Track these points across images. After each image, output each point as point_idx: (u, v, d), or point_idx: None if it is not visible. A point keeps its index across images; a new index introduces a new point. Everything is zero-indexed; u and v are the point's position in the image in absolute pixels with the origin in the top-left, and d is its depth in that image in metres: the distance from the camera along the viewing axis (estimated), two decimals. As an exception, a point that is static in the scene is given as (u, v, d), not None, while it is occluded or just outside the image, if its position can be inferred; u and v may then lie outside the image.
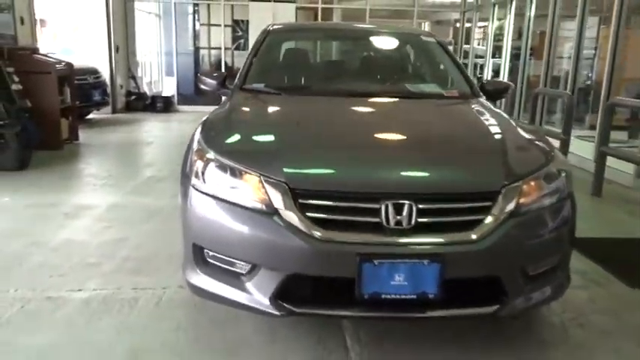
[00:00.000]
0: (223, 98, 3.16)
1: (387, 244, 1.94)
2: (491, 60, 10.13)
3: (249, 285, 2.06)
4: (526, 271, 2.10)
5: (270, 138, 2.33)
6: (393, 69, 3.60)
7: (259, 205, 2.01)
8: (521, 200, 2.06)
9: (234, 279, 2.10)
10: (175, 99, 11.44)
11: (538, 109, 7.59)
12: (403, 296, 1.95)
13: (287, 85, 3.32)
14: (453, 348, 2.29)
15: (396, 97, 3.04)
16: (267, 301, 2.02)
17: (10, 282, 2.81)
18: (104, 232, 3.63)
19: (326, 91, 3.10)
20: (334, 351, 2.23)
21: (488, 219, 1.99)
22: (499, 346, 2.31)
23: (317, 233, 1.93)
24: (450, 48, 11.89)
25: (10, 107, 5.57)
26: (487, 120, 2.69)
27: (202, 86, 3.39)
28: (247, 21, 11.29)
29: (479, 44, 11.19)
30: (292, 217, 1.96)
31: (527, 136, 2.53)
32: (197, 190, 2.16)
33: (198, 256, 2.19)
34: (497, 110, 2.90)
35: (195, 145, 2.34)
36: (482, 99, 3.10)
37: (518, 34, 8.83)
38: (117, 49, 10.36)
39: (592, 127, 6.63)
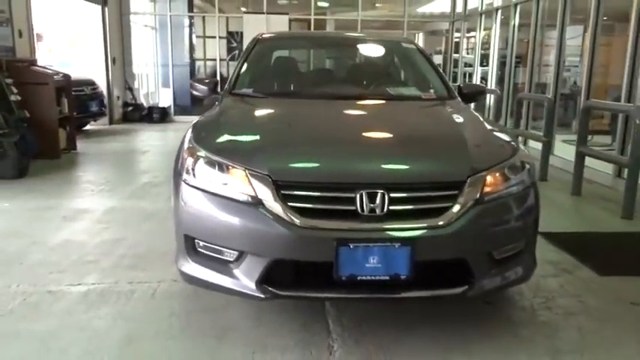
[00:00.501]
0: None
1: (362, 229, 2.11)
2: (480, 68, 10.39)
3: (236, 271, 2.23)
4: (492, 255, 2.28)
5: (255, 135, 2.51)
6: (374, 74, 3.80)
7: (245, 197, 2.19)
8: (486, 189, 2.25)
9: (222, 266, 2.27)
10: (172, 109, 11.66)
11: (524, 114, 7.83)
12: (377, 277, 2.12)
13: (273, 89, 3.52)
14: (427, 327, 2.46)
15: (375, 99, 3.25)
16: (253, 286, 2.19)
17: (11, 278, 2.97)
18: (102, 233, 3.79)
19: (310, 95, 3.31)
20: (317, 334, 2.39)
21: (455, 206, 2.17)
22: (470, 326, 2.48)
23: (298, 221, 2.10)
24: (439, 57, 12.14)
25: (9, 117, 5.74)
26: (457, 118, 2.89)
27: (194, 92, 3.57)
28: (242, 32, 11.54)
29: (468, 53, 11.44)
30: (275, 206, 2.13)
31: (493, 132, 2.74)
32: (188, 184, 2.33)
33: (190, 246, 2.35)
34: (470, 110, 3.10)
35: (186, 144, 2.52)
36: (458, 100, 3.29)
37: (505, 42, 9.08)
38: (114, 62, 10.57)
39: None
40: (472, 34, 11.08)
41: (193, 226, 2.32)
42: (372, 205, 2.12)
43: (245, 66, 3.58)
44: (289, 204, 2.13)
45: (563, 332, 2.45)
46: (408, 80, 3.78)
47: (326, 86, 3.54)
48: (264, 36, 3.93)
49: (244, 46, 11.81)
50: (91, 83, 9.12)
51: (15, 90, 6.15)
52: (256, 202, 2.16)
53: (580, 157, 5.16)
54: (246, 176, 2.20)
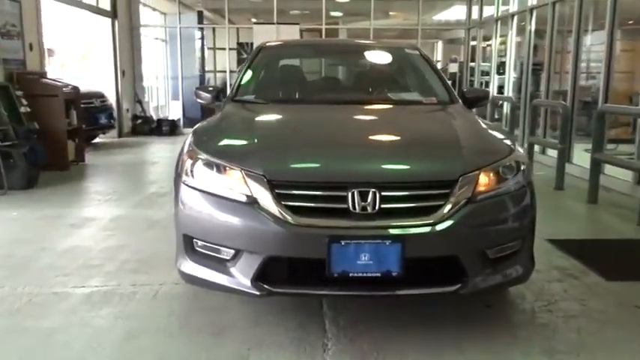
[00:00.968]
0: None
1: (354, 227, 2.26)
2: (497, 76, 10.50)
3: (233, 269, 2.39)
4: (485, 254, 2.40)
5: (252, 138, 2.69)
6: (374, 79, 3.98)
7: (241, 197, 2.36)
8: (479, 188, 2.38)
9: (219, 265, 2.43)
10: (181, 122, 11.96)
11: (541, 122, 7.91)
12: (369, 274, 2.26)
13: (274, 95, 3.71)
14: (423, 328, 2.58)
15: (374, 104, 3.44)
16: (248, 283, 2.35)
17: (19, 281, 3.17)
18: (107, 239, 3.99)
19: (309, 100, 3.52)
20: (313, 333, 2.53)
21: (446, 205, 2.31)
22: (467, 327, 2.59)
23: (291, 219, 2.26)
24: (455, 65, 12.23)
25: (19, 128, 6.04)
26: (455, 121, 3.04)
27: (198, 100, 3.78)
28: (252, 44, 11.86)
29: (484, 61, 11.58)
30: (270, 205, 2.30)
31: (489, 133, 2.88)
32: (187, 185, 2.52)
33: (188, 246, 2.53)
34: (468, 113, 3.25)
35: (186, 148, 2.71)
36: (459, 105, 3.43)
37: (522, 49, 9.20)
38: (123, 74, 10.95)
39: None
40: (489, 42, 11.23)
41: (192, 225, 2.49)
42: (363, 203, 2.27)
43: (248, 73, 3.78)
44: (283, 203, 2.29)
45: (562, 334, 2.54)
46: (409, 85, 3.94)
47: (326, 93, 3.74)
48: (267, 44, 4.14)
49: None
50: (100, 96, 9.47)
51: (25, 102, 6.47)
52: (252, 202, 2.33)
53: (595, 164, 5.24)
54: (243, 176, 2.37)
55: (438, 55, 21.45)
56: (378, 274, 2.26)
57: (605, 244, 4.00)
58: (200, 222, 2.45)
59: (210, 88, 3.80)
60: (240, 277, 2.37)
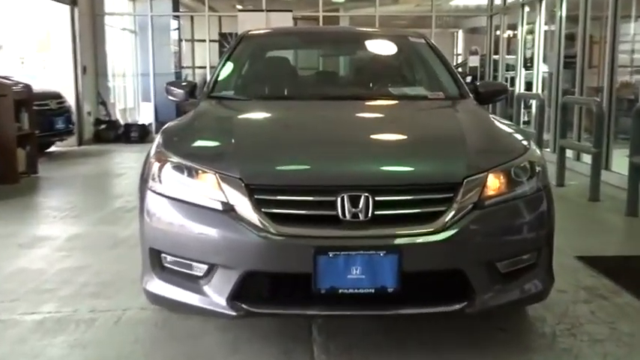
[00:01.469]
0: None
1: (343, 236, 2.37)
2: (524, 71, 10.67)
3: (206, 287, 2.49)
4: (495, 267, 2.50)
5: (229, 138, 2.81)
6: (374, 72, 4.12)
7: (216, 204, 2.47)
8: (487, 192, 2.49)
9: (191, 283, 2.54)
10: (153, 127, 12.10)
11: (575, 124, 8.05)
12: (361, 290, 2.36)
13: (256, 91, 3.85)
14: (427, 355, 2.67)
15: (370, 100, 3.58)
16: (224, 302, 2.44)
17: (-41, 307, 3.26)
18: (63, 261, 4.09)
19: (296, 96, 3.68)
20: (299, 361, 2.62)
21: (449, 211, 2.41)
22: (480, 354, 2.68)
23: (272, 228, 2.37)
24: (476, 58, 12.38)
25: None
26: (462, 117, 3.17)
27: (170, 97, 3.91)
28: (236, 34, 12.02)
29: (509, 54, 11.77)
30: (248, 213, 2.41)
31: (502, 130, 3.00)
32: (154, 192, 2.63)
33: (155, 261, 2.63)
34: (479, 109, 3.38)
35: (153, 149, 2.83)
36: (470, 100, 3.56)
37: (556, 39, 9.36)
38: (84, 71, 11.10)
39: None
40: (515, 31, 11.42)
41: (159, 238, 2.60)
42: (354, 209, 2.38)
43: (227, 66, 3.92)
44: (263, 210, 2.40)
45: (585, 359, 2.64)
46: (413, 79, 4.08)
47: (316, 87, 3.88)
48: (251, 32, 4.29)
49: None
50: (57, 96, 9.60)
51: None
52: (227, 209, 2.44)
53: (635, 171, 5.35)
54: (217, 180, 2.49)
55: (459, 47, 21.73)
56: (372, 291, 2.35)
57: (643, 261, 4.11)
58: (168, 233, 2.56)
59: (184, 83, 3.94)
60: (215, 295, 2.46)
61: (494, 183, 2.52)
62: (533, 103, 9.49)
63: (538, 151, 2.85)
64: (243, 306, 2.43)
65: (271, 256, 2.39)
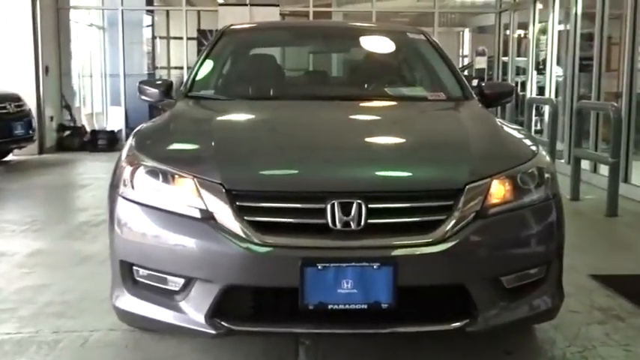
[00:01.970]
0: None
1: (333, 247, 2.43)
2: (536, 75, 10.82)
3: (182, 304, 2.55)
4: (499, 282, 2.58)
5: (207, 140, 2.88)
6: (369, 71, 4.22)
7: (194, 211, 2.52)
8: (490, 200, 2.57)
9: (166, 298, 2.59)
10: (123, 134, 12.11)
11: (592, 132, 8.16)
12: (353, 306, 2.42)
13: (240, 90, 3.94)
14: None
15: (362, 100, 3.68)
16: (202, 320, 2.49)
17: None
18: (23, 278, 4.13)
19: (281, 96, 3.79)
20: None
21: (449, 220, 2.48)
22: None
23: (256, 238, 2.43)
24: (483, 59, 12.53)
25: None
26: (464, 119, 3.27)
27: (143, 97, 3.98)
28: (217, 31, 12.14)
29: (520, 55, 11.94)
30: (229, 221, 2.47)
31: (508, 134, 3.09)
32: (125, 198, 2.69)
33: (127, 275, 2.68)
34: (483, 111, 3.47)
35: (124, 153, 2.89)
36: (474, 102, 3.65)
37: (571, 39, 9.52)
38: (46, 71, 11.14)
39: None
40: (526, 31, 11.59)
41: (131, 249, 2.65)
42: (346, 218, 2.44)
43: (206, 64, 4.00)
44: (246, 218, 2.46)
45: (598, 384, 2.71)
46: (412, 78, 4.18)
47: (305, 87, 3.98)
48: (232, 27, 4.38)
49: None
50: (15, 99, 9.62)
51: None
52: (206, 217, 2.50)
53: (656, 183, 5.46)
54: (195, 186, 2.55)
55: (464, 47, 21.98)
56: (364, 307, 2.41)
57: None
58: (141, 244, 2.61)
59: (159, 82, 4.02)
60: (192, 312, 2.51)
61: (498, 190, 2.60)
62: (546, 109, 9.62)
63: (547, 157, 2.93)
64: (224, 324, 2.48)
65: (254, 269, 2.45)
